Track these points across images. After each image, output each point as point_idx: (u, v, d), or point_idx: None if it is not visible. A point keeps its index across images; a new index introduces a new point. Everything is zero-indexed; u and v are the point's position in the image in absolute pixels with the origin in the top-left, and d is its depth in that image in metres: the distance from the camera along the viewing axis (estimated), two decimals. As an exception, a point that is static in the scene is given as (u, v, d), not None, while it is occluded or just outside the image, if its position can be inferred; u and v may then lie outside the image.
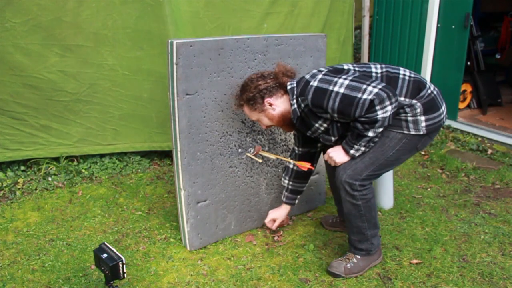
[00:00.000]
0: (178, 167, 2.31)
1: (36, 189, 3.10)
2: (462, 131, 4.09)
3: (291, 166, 2.42)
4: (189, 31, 3.30)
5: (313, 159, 2.41)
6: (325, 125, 2.07)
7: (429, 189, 3.17)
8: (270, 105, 2.12)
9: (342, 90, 1.89)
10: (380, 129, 1.94)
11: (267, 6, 3.65)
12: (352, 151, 2.03)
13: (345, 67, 2.06)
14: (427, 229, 2.64)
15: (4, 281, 2.21)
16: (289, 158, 2.42)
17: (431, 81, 4.18)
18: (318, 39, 2.59)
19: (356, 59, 5.39)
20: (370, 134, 1.94)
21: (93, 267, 2.30)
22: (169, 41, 2.14)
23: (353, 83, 1.89)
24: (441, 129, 4.14)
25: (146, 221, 2.76)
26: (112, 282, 1.82)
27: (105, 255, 1.81)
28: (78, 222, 2.75)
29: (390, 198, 2.88)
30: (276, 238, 2.59)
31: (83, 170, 3.33)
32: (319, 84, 1.95)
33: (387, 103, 1.86)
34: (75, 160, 3.39)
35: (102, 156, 3.46)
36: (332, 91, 1.91)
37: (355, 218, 2.13)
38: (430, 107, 2.02)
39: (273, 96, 2.12)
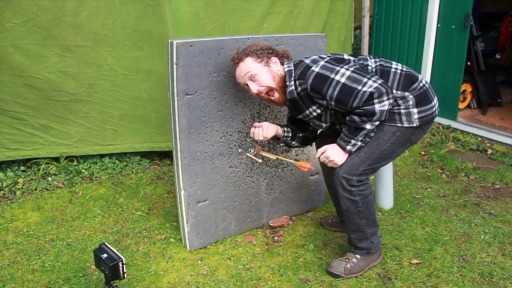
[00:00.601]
0: (178, 167, 2.31)
1: (36, 189, 3.10)
2: (462, 131, 4.09)
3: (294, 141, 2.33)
4: (189, 31, 3.30)
5: (305, 142, 2.38)
6: (318, 111, 2.09)
7: (429, 189, 3.17)
8: (276, 63, 2.09)
9: (343, 80, 1.91)
10: (377, 123, 1.96)
11: (267, 6, 3.65)
12: (348, 147, 2.04)
13: (345, 57, 2.08)
14: (427, 229, 2.64)
15: (4, 281, 2.21)
16: (289, 158, 2.42)
17: (431, 81, 4.18)
18: (318, 39, 2.59)
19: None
20: (368, 126, 1.96)
21: (93, 267, 2.30)
22: (169, 41, 2.14)
23: (355, 75, 1.92)
24: (441, 129, 4.15)
25: (146, 221, 2.76)
26: (112, 282, 1.82)
27: (105, 255, 1.81)
28: (78, 222, 2.75)
29: (390, 198, 2.88)
30: (276, 238, 2.59)
31: (83, 170, 3.33)
32: (321, 71, 1.96)
33: (385, 98, 1.90)
34: (75, 160, 3.39)
35: (102, 156, 3.46)
36: (333, 79, 1.93)
37: (353, 215, 2.13)
38: (422, 99, 2.04)
39: (277, 58, 2.11)
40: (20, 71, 2.97)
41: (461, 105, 4.50)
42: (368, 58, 2.10)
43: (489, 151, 3.71)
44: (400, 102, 2.02)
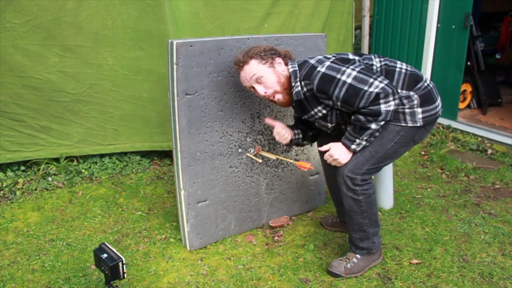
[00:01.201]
0: (178, 167, 2.31)
1: (36, 189, 3.10)
2: (462, 131, 4.09)
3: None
4: (189, 31, 3.30)
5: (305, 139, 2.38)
6: (324, 111, 2.08)
7: (429, 189, 3.17)
8: (280, 64, 2.09)
9: (349, 80, 1.91)
10: (382, 122, 1.96)
11: (268, 6, 3.65)
12: (353, 146, 2.03)
13: (350, 56, 2.07)
14: (427, 229, 2.64)
15: (4, 281, 2.21)
16: (289, 158, 2.42)
17: (431, 81, 4.18)
18: (318, 39, 2.59)
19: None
20: (373, 126, 1.96)
21: (93, 267, 2.30)
22: (169, 41, 2.14)
23: (361, 75, 1.91)
24: (441, 129, 4.15)
25: (146, 221, 2.76)
26: (112, 282, 1.82)
27: (105, 255, 1.81)
28: (78, 222, 2.75)
29: (390, 198, 2.88)
30: (276, 238, 2.59)
31: (83, 170, 3.33)
32: (327, 71, 1.95)
33: (391, 98, 1.90)
34: (75, 160, 3.39)
35: (102, 156, 3.46)
36: (339, 79, 1.92)
37: (356, 214, 2.13)
38: (426, 99, 2.04)
39: (281, 58, 2.10)
40: (20, 71, 2.97)
41: (461, 105, 4.50)
42: (373, 57, 2.10)
43: (489, 151, 3.71)
44: (404, 101, 2.02)
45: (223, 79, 2.31)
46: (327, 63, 1.99)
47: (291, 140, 2.32)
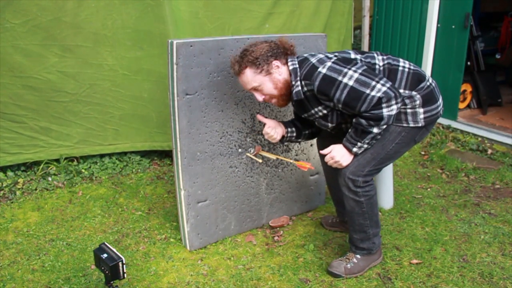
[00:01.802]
0: (178, 167, 2.31)
1: (36, 189, 3.10)
2: (462, 131, 4.09)
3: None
4: (188, 31, 3.30)
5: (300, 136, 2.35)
6: (324, 111, 2.06)
7: (429, 189, 3.17)
8: (277, 67, 2.02)
9: (351, 83, 1.88)
10: (384, 126, 1.94)
11: (269, 6, 3.64)
12: (355, 149, 2.02)
13: (352, 55, 2.04)
14: (427, 229, 2.64)
15: (4, 281, 2.21)
16: (289, 158, 2.42)
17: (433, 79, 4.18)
18: (318, 39, 2.59)
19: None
20: (375, 130, 1.94)
21: (93, 267, 2.30)
22: (169, 41, 2.14)
23: (363, 78, 1.88)
24: (441, 129, 4.15)
25: (146, 221, 2.76)
26: (112, 282, 1.82)
27: (105, 255, 1.81)
28: (78, 222, 2.75)
29: (390, 198, 2.88)
30: (276, 238, 2.59)
31: (83, 170, 3.33)
32: (328, 72, 1.91)
33: (393, 102, 1.88)
34: (75, 160, 3.39)
35: (102, 156, 3.46)
36: (341, 82, 1.89)
37: (357, 215, 2.13)
38: (428, 99, 2.03)
39: (279, 60, 2.02)
40: (20, 72, 2.97)
41: (461, 105, 4.50)
42: (375, 55, 2.07)
43: (489, 151, 3.71)
44: (407, 101, 2.01)
45: (223, 79, 2.31)
46: (328, 63, 1.94)
47: (283, 137, 2.29)
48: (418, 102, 2.01)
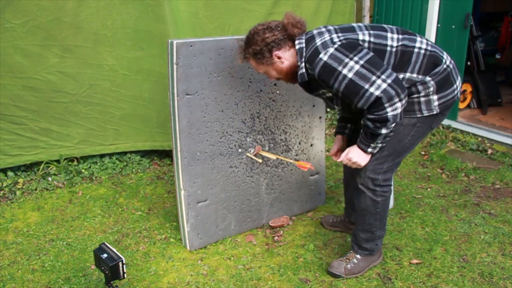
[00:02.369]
0: (178, 167, 2.31)
1: (36, 189, 3.10)
2: (462, 131, 4.09)
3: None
4: (188, 31, 3.30)
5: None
6: (329, 94, 2.04)
7: (429, 189, 3.17)
8: (279, 58, 1.99)
9: (350, 75, 1.81)
10: (393, 125, 1.87)
11: (269, 6, 3.64)
12: (370, 149, 1.97)
13: (360, 37, 1.90)
14: (427, 229, 2.64)
15: (4, 281, 2.21)
16: (289, 158, 2.42)
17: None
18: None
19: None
20: (384, 131, 1.87)
21: (93, 267, 2.30)
22: (169, 41, 2.14)
23: (364, 71, 1.80)
24: (441, 129, 4.14)
25: (146, 221, 2.76)
26: (112, 282, 1.82)
27: (105, 255, 1.81)
28: (78, 222, 2.75)
29: (390, 198, 2.88)
30: (276, 238, 2.59)
31: (83, 170, 3.33)
32: (329, 61, 1.84)
33: (396, 100, 1.80)
34: (75, 160, 3.39)
35: (102, 156, 3.46)
36: (340, 72, 1.82)
37: (370, 215, 2.12)
38: (443, 83, 1.94)
39: (281, 49, 1.99)
40: (20, 72, 2.96)
41: (461, 105, 4.50)
42: (389, 34, 1.93)
43: (489, 151, 3.71)
44: (420, 88, 1.92)
45: (223, 79, 2.31)
46: (331, 50, 1.84)
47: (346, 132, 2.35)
48: (432, 88, 1.92)
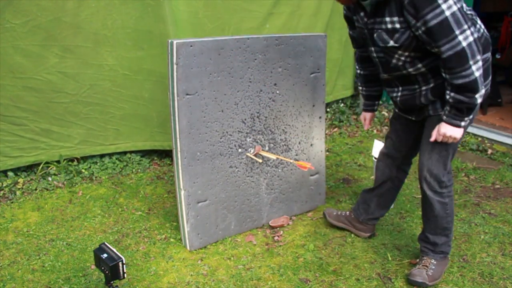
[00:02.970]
0: (178, 167, 2.31)
1: (36, 189, 3.10)
2: (462, 131, 4.09)
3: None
4: (188, 31, 3.30)
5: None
6: (398, 25, 1.82)
7: (429, 189, 3.16)
8: None
9: (447, 13, 1.69)
10: (483, 91, 1.78)
11: (269, 6, 3.64)
12: (463, 123, 1.86)
13: None
14: (427, 229, 2.64)
15: (4, 281, 2.21)
16: (289, 158, 2.42)
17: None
18: (318, 39, 2.59)
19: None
20: (479, 101, 1.78)
21: (93, 267, 2.30)
22: (169, 41, 2.14)
23: (459, 15, 1.70)
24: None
25: (146, 221, 2.76)
26: (112, 282, 1.82)
27: (105, 255, 1.81)
28: (78, 222, 2.75)
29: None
30: (276, 238, 2.59)
31: (83, 170, 3.33)
32: None
33: (478, 57, 1.73)
34: (75, 160, 3.39)
35: (102, 156, 3.46)
36: (439, 5, 1.69)
37: (442, 219, 2.11)
38: (486, 74, 1.91)
39: None
40: (20, 72, 2.96)
41: (461, 105, 4.49)
42: (475, 16, 1.92)
43: (489, 151, 3.71)
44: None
45: (223, 79, 2.31)
46: None
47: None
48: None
